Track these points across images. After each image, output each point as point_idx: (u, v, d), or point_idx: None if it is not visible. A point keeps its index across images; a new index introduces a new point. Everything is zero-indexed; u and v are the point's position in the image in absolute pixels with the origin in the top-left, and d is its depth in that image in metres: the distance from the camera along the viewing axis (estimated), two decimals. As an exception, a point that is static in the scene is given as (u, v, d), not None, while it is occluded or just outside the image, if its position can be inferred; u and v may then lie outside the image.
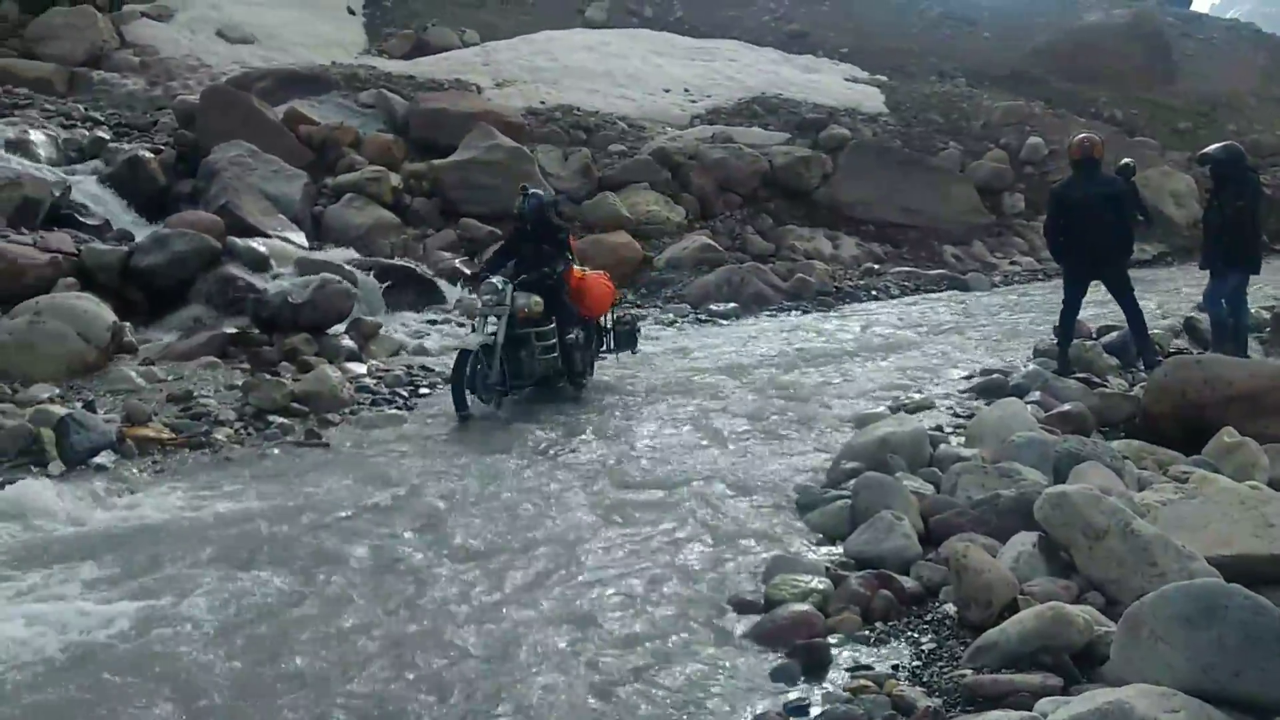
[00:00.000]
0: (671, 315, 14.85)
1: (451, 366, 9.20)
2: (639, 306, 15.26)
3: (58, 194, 12.21)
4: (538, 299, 9.40)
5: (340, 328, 11.05)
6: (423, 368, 10.77)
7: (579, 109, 20.28)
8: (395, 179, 15.88)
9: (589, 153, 18.58)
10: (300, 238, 13.35)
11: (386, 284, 12.76)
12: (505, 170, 16.38)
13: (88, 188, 13.32)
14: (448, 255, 14.79)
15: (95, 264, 10.97)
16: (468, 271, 13.52)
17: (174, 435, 8.03)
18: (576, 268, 10.39)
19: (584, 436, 8.38)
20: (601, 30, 26.42)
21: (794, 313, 15.27)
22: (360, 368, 10.37)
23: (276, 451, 8.04)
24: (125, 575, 5.49)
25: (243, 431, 8.35)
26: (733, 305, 15.34)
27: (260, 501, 6.75)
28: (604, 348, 10.78)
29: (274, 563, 5.69)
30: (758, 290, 15.88)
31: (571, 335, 9.72)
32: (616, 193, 17.75)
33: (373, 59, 21.82)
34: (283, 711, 4.17)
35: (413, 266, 13.62)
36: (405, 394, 9.83)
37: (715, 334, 13.67)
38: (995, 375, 9.65)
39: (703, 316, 14.90)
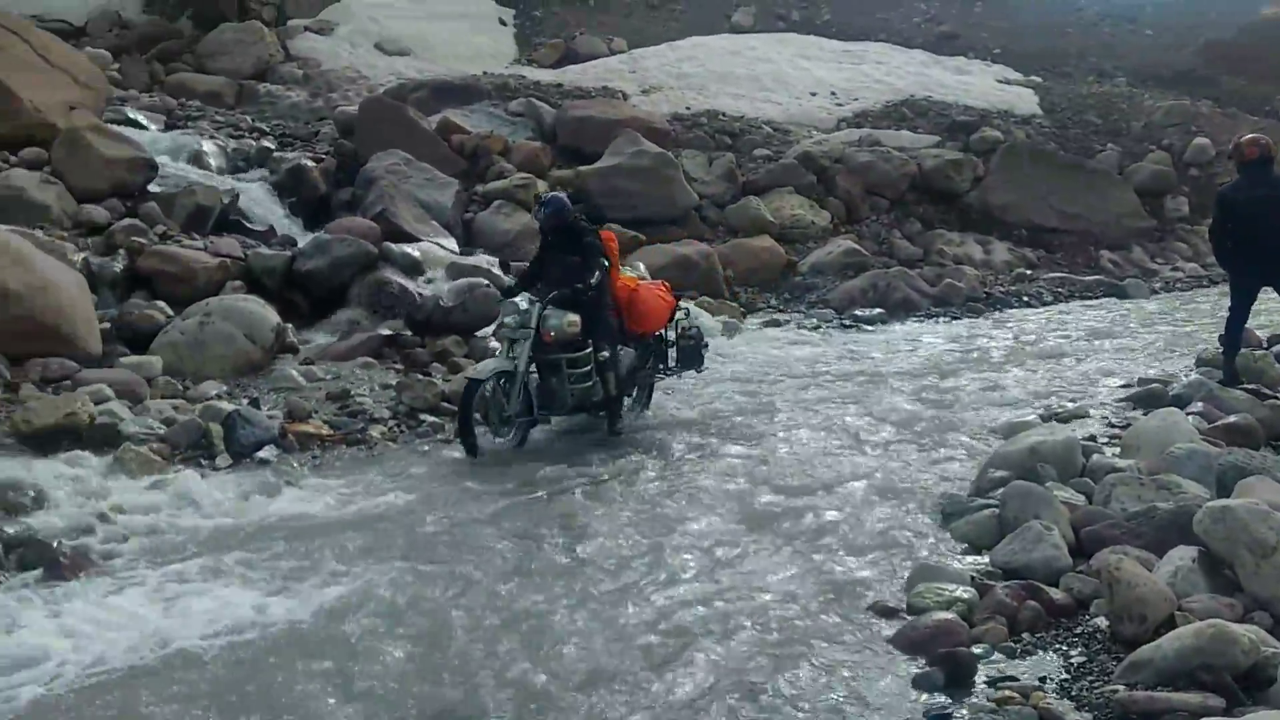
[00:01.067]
0: (815, 320, 14.73)
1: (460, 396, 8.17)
2: (782, 311, 15.21)
3: (227, 201, 12.83)
4: (573, 318, 8.34)
5: (488, 330, 11.31)
6: (680, 326, 10.87)
7: (724, 114, 20.27)
8: (543, 186, 16.13)
9: (734, 157, 18.55)
10: (451, 243, 13.70)
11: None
12: (650, 176, 16.51)
13: (254, 195, 13.95)
14: (592, 260, 14.98)
15: (261, 268, 11.49)
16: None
17: (332, 432, 8.37)
18: (628, 275, 9.55)
19: (726, 440, 8.40)
20: (748, 35, 26.36)
21: (942, 319, 14.96)
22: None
23: (427, 449, 8.31)
24: (290, 564, 5.78)
25: (396, 429, 8.65)
26: (878, 311, 15.12)
27: (411, 496, 6.99)
28: (665, 366, 9.68)
29: (426, 556, 5.89)
30: (905, 296, 15.62)
31: (606, 354, 8.50)
32: (761, 197, 17.68)
33: (522, 68, 22.25)
34: (444, 696, 4.31)
35: (559, 271, 13.83)
36: (550, 394, 9.99)
37: (860, 340, 13.50)
38: (1154, 385, 9.26)
39: (847, 322, 14.73)
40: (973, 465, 7.22)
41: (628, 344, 8.95)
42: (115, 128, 13.42)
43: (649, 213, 16.31)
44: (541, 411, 8.45)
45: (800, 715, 4.09)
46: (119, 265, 10.52)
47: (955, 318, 15.06)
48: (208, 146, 14.94)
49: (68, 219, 11.17)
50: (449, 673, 4.54)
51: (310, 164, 15.01)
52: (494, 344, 9.52)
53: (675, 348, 9.69)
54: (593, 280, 8.41)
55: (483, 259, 13.49)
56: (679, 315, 9.75)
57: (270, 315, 10.14)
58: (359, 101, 17.66)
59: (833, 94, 22.71)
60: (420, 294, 11.55)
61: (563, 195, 9.46)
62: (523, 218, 15.44)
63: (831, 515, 6.40)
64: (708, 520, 6.43)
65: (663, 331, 9.56)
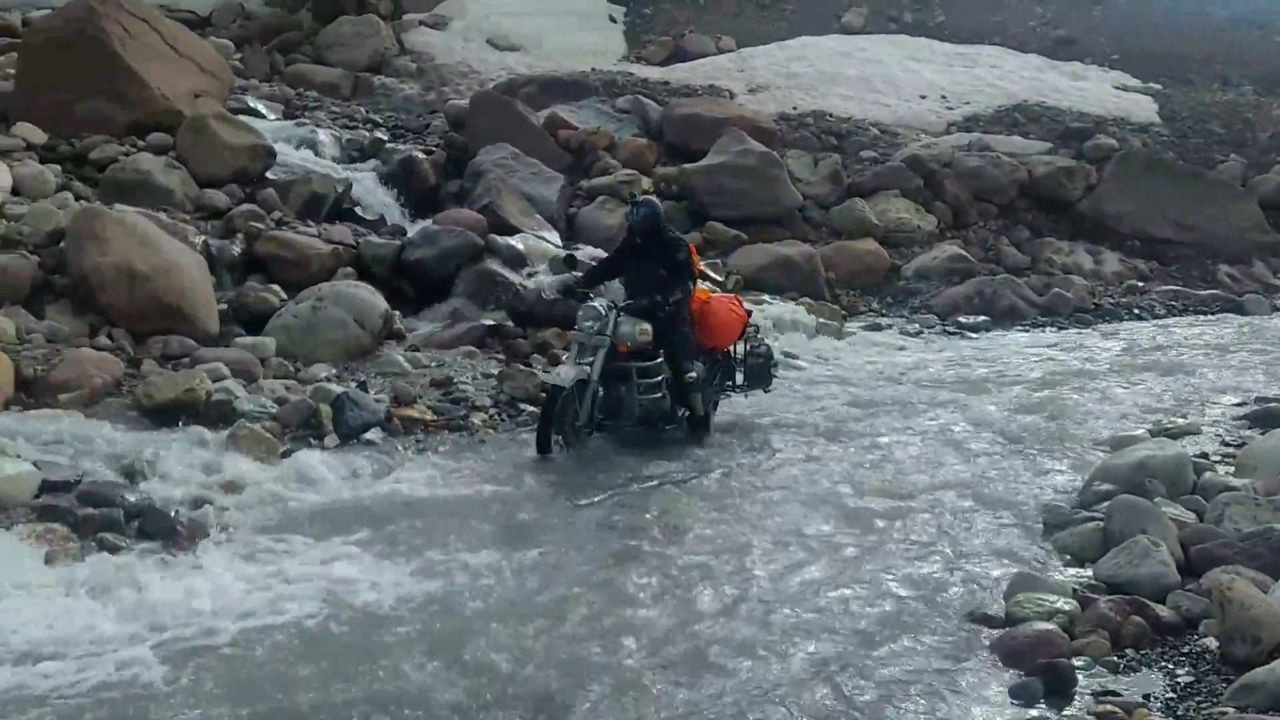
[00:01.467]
0: (917, 326, 14.55)
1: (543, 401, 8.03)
2: (883, 315, 15.05)
3: (340, 190, 13.16)
4: (645, 327, 8.08)
5: (591, 325, 11.41)
6: (750, 342, 10.92)
7: (831, 115, 20.11)
8: (647, 182, 16.22)
9: (839, 158, 18.40)
10: (555, 237, 13.84)
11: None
12: (755, 175, 16.47)
13: (366, 185, 14.26)
14: (694, 257, 15.01)
15: (371, 256, 11.75)
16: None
17: (435, 417, 8.55)
18: (703, 287, 9.17)
19: (823, 442, 8.37)
20: (858, 36, 26.12)
21: (1049, 329, 14.65)
22: (611, 362, 10.68)
23: (526, 437, 8.42)
24: (395, 542, 5.97)
25: (496, 417, 8.80)
26: (983, 318, 14.87)
27: (510, 484, 7.12)
28: (732, 384, 9.29)
29: (527, 541, 6.01)
30: (1011, 304, 15.33)
31: (692, 374, 8.34)
32: (866, 199, 17.50)
33: (631, 65, 22.36)
34: (543, 678, 4.41)
35: (661, 267, 13.89)
36: (648, 389, 10.06)
37: (963, 347, 13.31)
38: (1273, 404, 8.96)
39: (950, 328, 14.52)
40: (1077, 477, 7.09)
41: (696, 359, 8.61)
42: (237, 116, 13.86)
43: (752, 212, 16.26)
44: (606, 421, 8.20)
45: (878, 708, 4.09)
46: (237, 249, 10.86)
47: (1062, 328, 14.74)
48: (323, 136, 15.32)
49: (190, 203, 11.57)
50: (547, 655, 4.63)
51: (421, 156, 15.30)
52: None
53: (744, 365, 9.27)
54: (675, 297, 8.21)
55: (585, 252, 13.62)
56: (749, 331, 9.33)
57: (379, 302, 10.38)
58: (470, 95, 17.93)
59: (943, 97, 22.37)
60: (523, 286, 11.72)
61: (656, 200, 9.04)
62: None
63: (930, 520, 6.34)
64: (805, 519, 6.44)
65: (732, 348, 9.20)
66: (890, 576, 5.53)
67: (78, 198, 10.58)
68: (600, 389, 8.03)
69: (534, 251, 12.81)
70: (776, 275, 15.16)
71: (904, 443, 8.34)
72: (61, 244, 9.21)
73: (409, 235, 12.48)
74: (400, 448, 7.79)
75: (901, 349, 13.07)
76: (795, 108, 20.27)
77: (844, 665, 4.52)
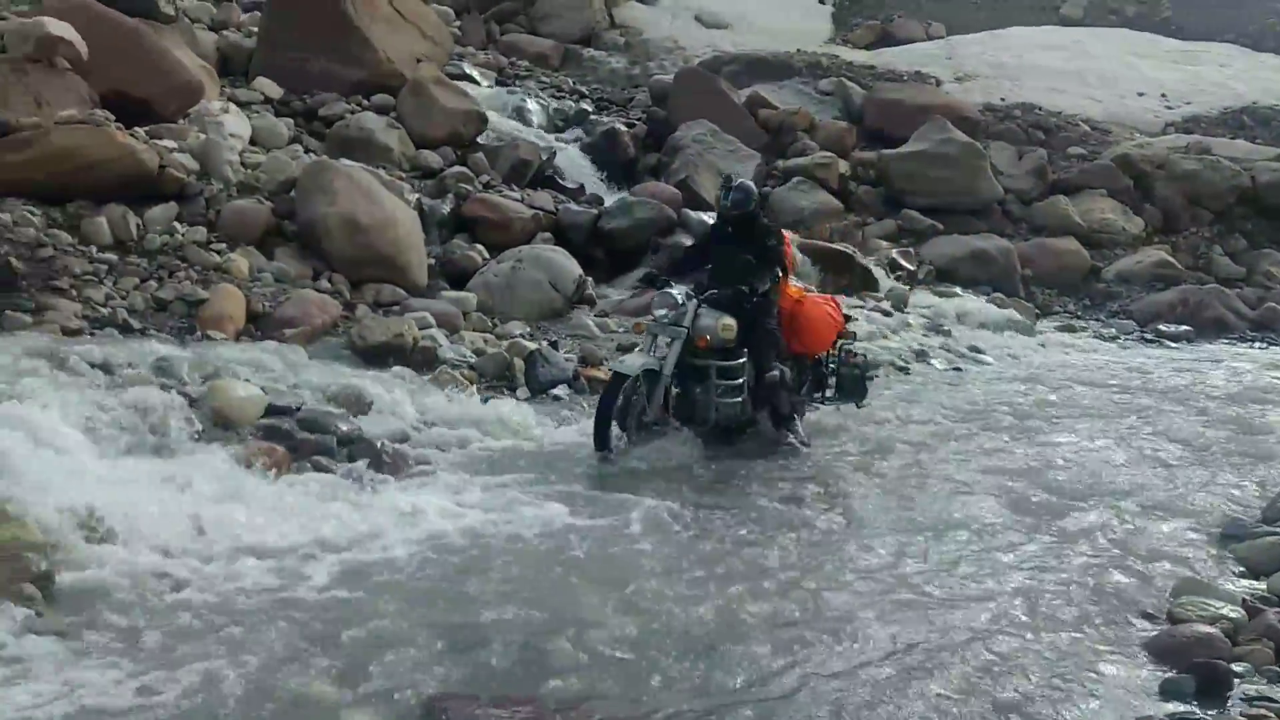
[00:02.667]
0: (1114, 330, 14.12)
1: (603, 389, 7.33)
2: (1079, 317, 14.67)
3: (545, 158, 13.70)
4: (729, 322, 7.35)
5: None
6: (847, 351, 11.03)
7: (1040, 108, 19.55)
8: (844, 166, 16.22)
9: (1045, 153, 17.89)
10: (747, 215, 14.05)
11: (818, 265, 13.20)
12: (955, 165, 16.21)
13: (569, 154, 14.81)
14: (885, 244, 14.96)
15: (569, 223, 12.23)
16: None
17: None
18: (794, 285, 8.43)
19: (1001, 437, 8.35)
20: (1076, 28, 25.23)
21: (1258, 344, 13.95)
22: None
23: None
24: (573, 487, 6.45)
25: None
26: (1185, 328, 14.28)
27: (686, 445, 7.41)
28: (821, 395, 8.42)
29: (697, 495, 6.33)
30: (1218, 315, 14.66)
31: (774, 373, 7.57)
32: (1070, 197, 16.99)
33: (836, 48, 22.26)
34: (708, 620, 4.70)
35: (850, 252, 13.93)
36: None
37: (1160, 355, 12.87)
38: None
39: (1149, 336, 14.03)
40: (1262, 493, 6.90)
41: (784, 363, 7.84)
42: (454, 81, 14.58)
43: (950, 202, 16.04)
44: (677, 422, 7.46)
45: (1036, 696, 4.19)
46: (447, 208, 11.49)
47: (1274, 344, 14.03)
48: (532, 105, 15.95)
49: (406, 161, 12.29)
50: (714, 600, 4.91)
51: (623, 128, 15.73)
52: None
53: (836, 374, 8.42)
54: (762, 287, 7.50)
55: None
56: (845, 339, 8.55)
57: (574, 267, 10.84)
58: (675, 71, 18.26)
59: (1162, 95, 21.42)
60: (712, 261, 11.98)
61: (752, 184, 8.19)
62: (819, 195, 15.59)
63: (1103, 521, 6.32)
64: (976, 509, 6.51)
65: (825, 354, 8.39)
66: (1057, 570, 5.57)
67: (307, 150, 11.42)
68: (674, 387, 7.41)
69: (725, 228, 13.04)
70: (970, 268, 14.96)
71: (1086, 444, 8.23)
72: (292, 192, 9.97)
73: (606, 205, 12.91)
74: (584, 404, 8.17)
75: (1094, 352, 12.76)
76: (1003, 99, 19.80)
77: (995, 647, 4.62)
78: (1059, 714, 4.09)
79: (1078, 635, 4.75)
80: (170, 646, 4.21)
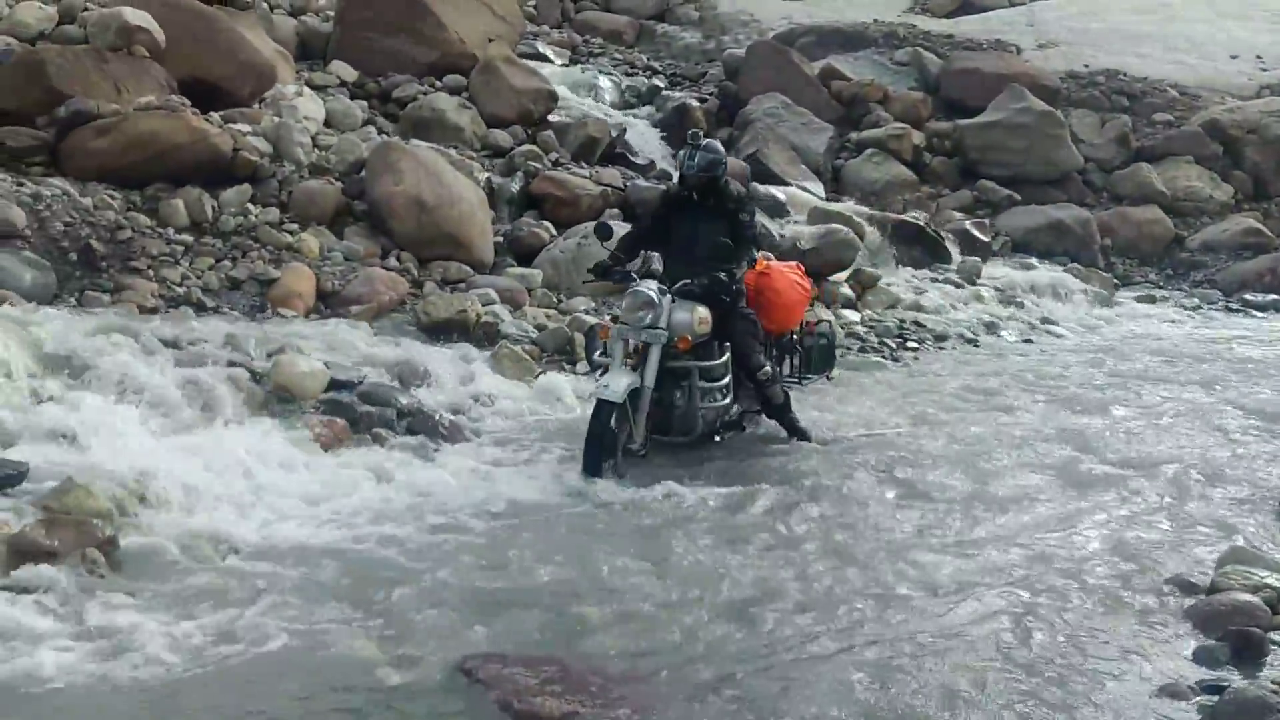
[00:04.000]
0: (1196, 300, 13.79)
1: (590, 416, 6.16)
2: (1160, 287, 14.33)
3: (615, 135, 13.76)
4: (704, 313, 6.41)
5: (841, 275, 11.54)
6: (915, 323, 11.00)
7: (1125, 74, 19.00)
8: (918, 137, 16.02)
9: (1129, 120, 17.44)
10: (817, 188, 13.98)
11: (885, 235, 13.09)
12: (1033, 134, 15.91)
13: (640, 130, 14.85)
14: (959, 215, 14.76)
15: (636, 199, 12.25)
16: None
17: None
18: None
19: (1064, 407, 8.25)
20: (1167, -10, 24.47)
21: (1350, 313, 13.51)
22: (854, 315, 10.82)
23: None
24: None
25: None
26: (1274, 297, 13.86)
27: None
28: (788, 372, 7.53)
29: (757, 482, 6.30)
30: (1308, 283, 14.21)
31: (766, 369, 6.80)
32: (1154, 165, 16.56)
33: (915, 17, 21.88)
34: (786, 587, 4.77)
35: (922, 224, 13.79)
36: (893, 345, 10.18)
37: (1245, 325, 12.52)
38: None
39: (1234, 305, 13.66)
40: (1333, 466, 6.73)
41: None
42: (526, 61, 14.72)
43: (1027, 171, 15.78)
44: (657, 435, 6.49)
45: (1069, 660, 4.19)
46: (515, 186, 11.63)
47: (1365, 313, 13.55)
48: (603, 82, 16.04)
49: (477, 141, 12.46)
50: (751, 568, 4.99)
51: (694, 104, 15.73)
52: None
53: (801, 347, 7.56)
54: (741, 271, 6.58)
55: (848, 205, 13.70)
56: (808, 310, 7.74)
57: (639, 242, 10.89)
58: (748, 45, 18.17)
59: (1258, 58, 20.65)
60: (780, 235, 11.96)
61: (720, 145, 6.96)
62: (894, 167, 15.45)
63: (1159, 489, 6.27)
64: (1028, 478, 6.49)
65: (793, 330, 7.50)
66: (1104, 536, 5.54)
67: (380, 132, 11.65)
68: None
69: (795, 201, 13.01)
70: (1047, 238, 14.73)
71: (1153, 415, 8.11)
72: (362, 173, 10.21)
73: (673, 181, 12.94)
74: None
75: (1174, 322, 12.50)
76: (1086, 65, 19.29)
77: (1034, 611, 4.62)
78: (1088, 678, 4.08)
79: (1116, 602, 4.72)
80: (223, 608, 4.41)
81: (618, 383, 6.06)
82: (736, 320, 6.65)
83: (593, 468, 6.00)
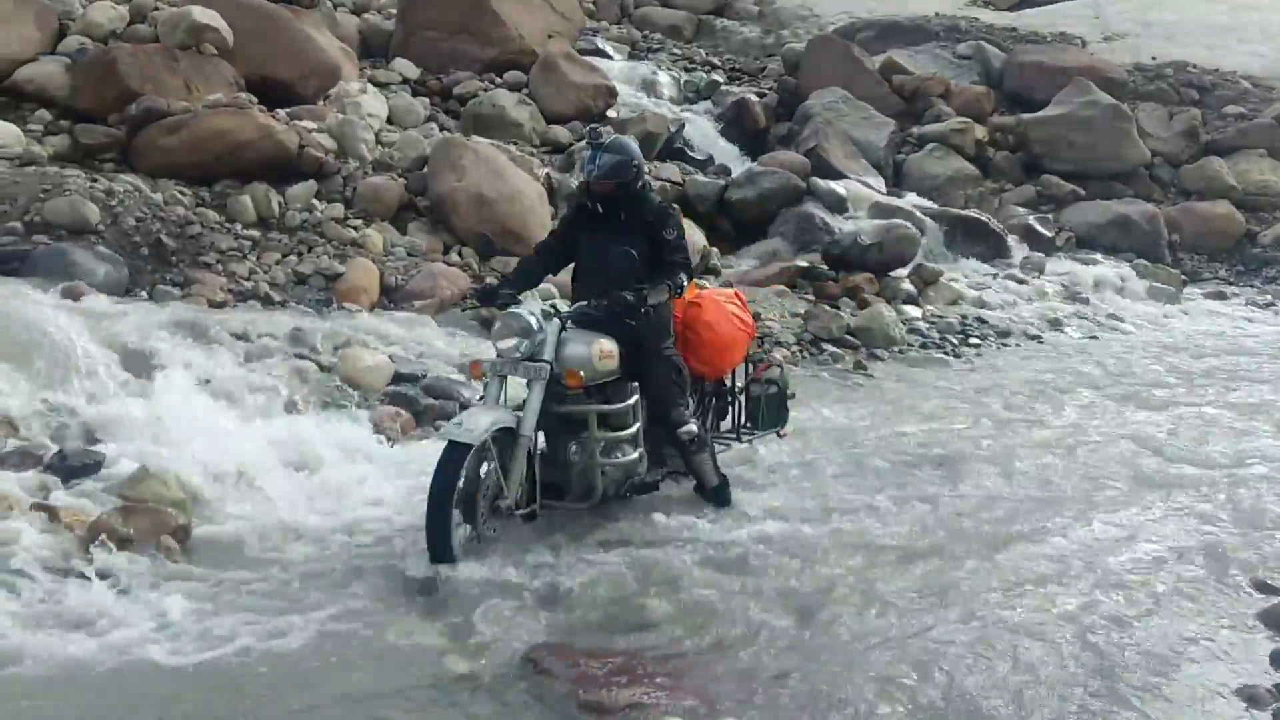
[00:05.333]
0: (1269, 297, 13.49)
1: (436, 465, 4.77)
2: (1230, 284, 14.04)
3: (673, 130, 13.79)
4: (608, 346, 5.16)
5: (903, 271, 11.45)
6: (978, 319, 10.88)
7: (1193, 66, 18.64)
8: (980, 131, 15.85)
9: (1198, 113, 17.12)
10: (878, 183, 13.89)
11: (946, 230, 12.98)
12: (1098, 128, 15.68)
13: (698, 125, 14.86)
14: (1022, 211, 14.58)
15: (696, 194, 12.30)
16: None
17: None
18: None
19: (1129, 404, 8.14)
20: (1238, -21, 23.94)
21: None
22: (915, 311, 10.73)
23: (825, 375, 8.75)
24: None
25: (799, 354, 9.15)
26: (1349, 294, 13.57)
27: (809, 413, 7.44)
28: (730, 425, 6.24)
29: (825, 471, 6.32)
30: (1385, 280, 13.87)
31: (689, 426, 5.36)
32: (1224, 158, 16.24)
33: (977, 10, 21.64)
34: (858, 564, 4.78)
35: (985, 219, 13.64)
36: (955, 341, 10.08)
37: (1319, 322, 12.25)
38: None
39: (1308, 302, 13.37)
40: None
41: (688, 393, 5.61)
42: (585, 57, 14.77)
43: (1092, 166, 15.56)
44: (547, 500, 5.16)
45: (1142, 661, 4.13)
46: (575, 181, 11.68)
47: None
48: (662, 77, 16.04)
49: (537, 136, 12.54)
50: (816, 566, 4.97)
51: (753, 99, 15.70)
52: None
53: (746, 397, 6.26)
54: (658, 298, 5.23)
55: (908, 200, 13.59)
56: (753, 349, 6.48)
57: (698, 238, 10.91)
58: (807, 39, 18.08)
59: (1334, 48, 20.19)
60: (840, 230, 11.90)
61: (631, 144, 5.56)
62: (956, 162, 15.30)
63: (1230, 491, 6.12)
64: (1091, 475, 6.40)
65: (731, 375, 6.20)
66: (1179, 536, 5.45)
67: (441, 128, 11.75)
68: (537, 449, 5.11)
69: (855, 196, 12.94)
70: (1112, 234, 14.52)
71: (1224, 412, 7.96)
72: (424, 169, 10.30)
73: (733, 175, 12.92)
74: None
75: (1244, 320, 12.23)
76: (1154, 57, 18.96)
77: (1106, 609, 4.57)
78: (1162, 680, 4.01)
79: (1189, 603, 4.64)
80: (291, 595, 4.49)
81: (476, 421, 4.77)
82: (654, 362, 5.30)
83: (439, 549, 4.66)
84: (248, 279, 8.36)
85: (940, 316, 10.71)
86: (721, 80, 16.74)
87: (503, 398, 5.05)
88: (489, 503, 4.89)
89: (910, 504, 5.85)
